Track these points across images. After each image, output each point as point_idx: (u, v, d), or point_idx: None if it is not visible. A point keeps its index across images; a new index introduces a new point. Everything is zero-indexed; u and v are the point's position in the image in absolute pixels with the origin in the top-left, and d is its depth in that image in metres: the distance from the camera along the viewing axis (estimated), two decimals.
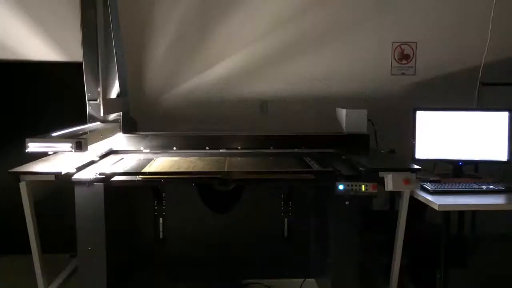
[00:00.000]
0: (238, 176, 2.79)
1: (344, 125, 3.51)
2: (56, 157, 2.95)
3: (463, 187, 2.89)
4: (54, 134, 2.61)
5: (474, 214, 3.96)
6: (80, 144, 2.44)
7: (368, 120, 3.54)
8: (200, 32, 3.91)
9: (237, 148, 3.46)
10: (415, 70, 4.02)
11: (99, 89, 3.07)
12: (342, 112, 3.55)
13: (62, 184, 2.69)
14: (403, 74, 4.03)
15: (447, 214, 2.73)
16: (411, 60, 4.01)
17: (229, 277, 3.32)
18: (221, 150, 3.46)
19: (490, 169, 3.34)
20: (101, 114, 3.09)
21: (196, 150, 3.43)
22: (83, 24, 3.15)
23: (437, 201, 2.61)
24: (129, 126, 3.56)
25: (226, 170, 2.92)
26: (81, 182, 2.62)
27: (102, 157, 3.16)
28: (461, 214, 3.32)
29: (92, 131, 3.02)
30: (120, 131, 3.43)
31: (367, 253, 3.66)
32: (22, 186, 2.52)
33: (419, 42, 3.99)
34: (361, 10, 3.93)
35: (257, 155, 3.41)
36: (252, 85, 3.97)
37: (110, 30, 3.24)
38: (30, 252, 2.60)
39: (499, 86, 3.91)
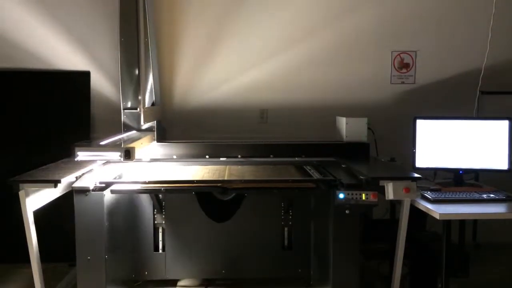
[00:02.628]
0: (238, 185, 2.78)
1: (344, 133, 3.52)
2: (57, 166, 2.95)
3: (464, 196, 2.88)
4: (102, 143, 2.70)
5: (475, 223, 3.95)
6: (129, 153, 2.50)
7: (368, 128, 3.54)
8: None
9: (237, 157, 3.47)
10: (414, 78, 4.03)
11: (139, 98, 3.13)
12: (342, 121, 3.55)
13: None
14: (403, 82, 4.03)
15: (448, 223, 2.72)
16: (410, 69, 4.02)
17: (229, 287, 3.30)
18: (221, 159, 3.46)
19: (490, 177, 3.34)
20: (142, 123, 3.15)
21: (196, 159, 3.46)
22: (121, 34, 3.21)
23: (438, 210, 2.60)
24: (162, 134, 3.62)
25: (226, 178, 2.92)
26: (81, 191, 2.61)
27: (102, 165, 3.16)
28: (462, 223, 3.30)
29: (130, 139, 3.06)
30: (154, 140, 3.47)
31: (367, 262, 3.66)
32: (22, 194, 2.50)
33: (419, 51, 4.00)
34: (361, 19, 3.95)
35: (257, 164, 3.41)
36: (252, 93, 3.98)
37: (148, 39, 3.29)
38: (29, 261, 2.59)
39: (499, 95, 3.92)
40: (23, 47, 3.81)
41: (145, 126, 3.40)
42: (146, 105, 3.39)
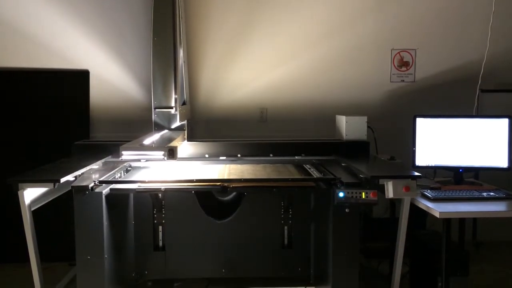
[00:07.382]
0: (237, 184, 2.78)
1: (344, 132, 3.51)
2: (56, 165, 2.95)
3: (464, 194, 2.88)
4: (144, 142, 2.74)
5: (475, 221, 3.95)
6: (172, 152, 2.54)
7: (368, 127, 3.54)
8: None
9: (236, 156, 3.46)
10: (414, 77, 4.03)
11: (175, 97, 3.14)
12: (342, 119, 3.55)
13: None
14: (402, 81, 4.03)
15: (448, 221, 2.72)
16: (410, 67, 4.01)
17: (229, 286, 3.30)
18: (221, 158, 3.46)
19: (490, 176, 3.33)
20: (179, 122, 3.20)
21: (197, 158, 3.47)
22: (155, 33, 3.20)
23: (438, 209, 2.60)
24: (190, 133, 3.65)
25: (226, 177, 2.91)
26: (80, 190, 2.61)
27: (101, 165, 3.15)
28: (462, 221, 3.30)
29: (168, 139, 3.08)
30: (185, 138, 3.49)
31: (367, 261, 3.66)
32: (21, 194, 2.49)
33: (419, 49, 4.00)
34: (361, 18, 3.94)
35: (257, 163, 3.40)
36: (252, 92, 3.98)
37: (181, 38, 3.28)
38: (28, 260, 2.58)
39: (499, 93, 3.92)
40: (23, 47, 3.81)
41: (175, 125, 3.41)
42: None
